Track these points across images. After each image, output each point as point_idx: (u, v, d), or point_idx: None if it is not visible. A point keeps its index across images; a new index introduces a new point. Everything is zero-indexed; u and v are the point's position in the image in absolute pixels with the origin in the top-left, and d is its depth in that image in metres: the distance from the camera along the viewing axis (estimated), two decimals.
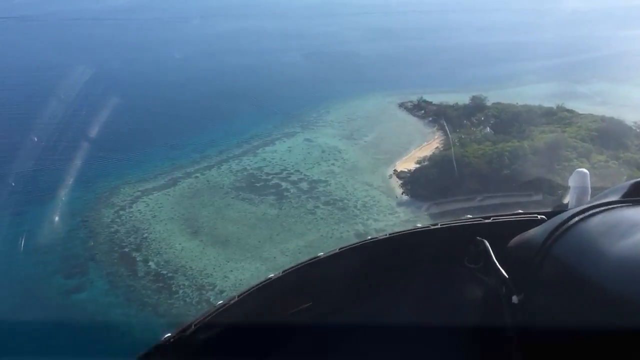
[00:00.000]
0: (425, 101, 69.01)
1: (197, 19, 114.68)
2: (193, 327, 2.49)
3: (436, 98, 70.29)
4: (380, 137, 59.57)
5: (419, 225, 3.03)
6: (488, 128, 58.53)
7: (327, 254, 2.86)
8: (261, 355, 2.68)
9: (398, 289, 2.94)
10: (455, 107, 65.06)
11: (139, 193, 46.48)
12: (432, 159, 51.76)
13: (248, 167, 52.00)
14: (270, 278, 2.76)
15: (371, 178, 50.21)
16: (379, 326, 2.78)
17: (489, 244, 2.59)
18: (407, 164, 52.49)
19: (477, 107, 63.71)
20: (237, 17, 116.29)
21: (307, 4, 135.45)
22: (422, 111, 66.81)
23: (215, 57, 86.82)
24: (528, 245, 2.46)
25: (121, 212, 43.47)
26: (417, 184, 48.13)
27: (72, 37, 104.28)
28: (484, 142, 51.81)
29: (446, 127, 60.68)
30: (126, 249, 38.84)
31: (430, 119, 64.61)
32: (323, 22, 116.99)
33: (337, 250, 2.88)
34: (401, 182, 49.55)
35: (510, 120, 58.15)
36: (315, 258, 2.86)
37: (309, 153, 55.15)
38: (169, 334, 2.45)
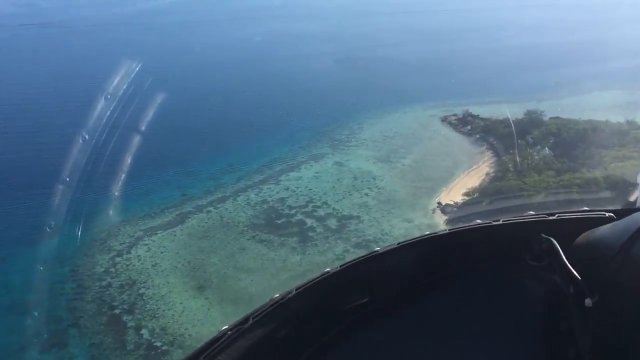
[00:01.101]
0: (471, 115, 61.11)
1: (225, 23, 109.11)
2: (251, 320, 2.47)
3: (483, 110, 62.37)
4: (421, 159, 52.07)
5: (479, 221, 2.97)
6: (547, 149, 50.40)
7: (385, 249, 2.83)
8: (317, 350, 2.65)
9: (457, 285, 2.89)
10: (506, 123, 56.90)
11: (141, 233, 40.29)
12: (482, 190, 44.11)
13: (268, 199, 45.30)
14: (327, 272, 2.73)
15: (411, 213, 42.91)
16: (437, 324, 2.75)
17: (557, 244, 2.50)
18: (454, 195, 44.94)
19: (532, 122, 55.61)
20: (265, 19, 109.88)
21: (339, 3, 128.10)
22: (468, 127, 58.98)
23: (241, 64, 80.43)
24: (601, 245, 2.36)
25: (117, 259, 37.28)
26: (466, 222, 40.48)
27: (94, 43, 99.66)
28: (545, 172, 43.91)
29: (497, 148, 52.86)
30: (117, 310, 32.57)
31: (478, 136, 56.78)
32: (357, 23, 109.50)
33: (395, 245, 2.84)
34: (447, 217, 42.05)
35: (573, 140, 49.92)
36: (373, 253, 2.82)
37: (338, 180, 48.12)
38: (226, 327, 2.44)
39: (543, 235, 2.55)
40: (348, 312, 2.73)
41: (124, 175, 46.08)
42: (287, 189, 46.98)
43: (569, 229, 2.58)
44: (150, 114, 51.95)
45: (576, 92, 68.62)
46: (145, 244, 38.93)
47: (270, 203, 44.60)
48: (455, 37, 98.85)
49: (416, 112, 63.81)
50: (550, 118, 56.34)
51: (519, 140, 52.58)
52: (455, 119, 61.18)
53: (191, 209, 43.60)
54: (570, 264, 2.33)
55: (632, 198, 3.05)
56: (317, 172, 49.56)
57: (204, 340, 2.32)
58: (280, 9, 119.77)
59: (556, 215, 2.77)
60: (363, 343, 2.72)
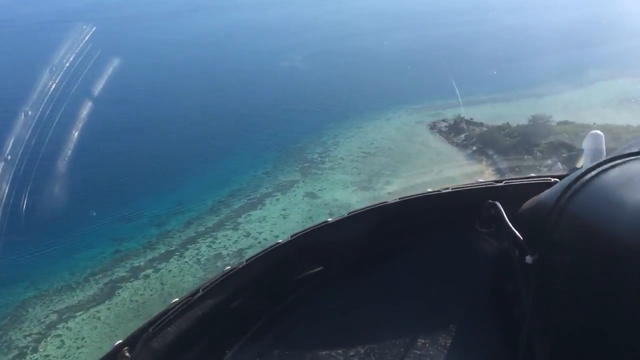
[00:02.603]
0: (464, 120, 52.15)
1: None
2: (201, 291, 2.46)
3: (478, 112, 53.78)
4: (410, 183, 42.97)
5: (429, 189, 3.01)
6: (560, 165, 41.81)
7: (337, 219, 2.86)
8: (271, 319, 2.68)
9: (409, 253, 2.98)
10: (507, 131, 48.31)
11: (54, 316, 31.03)
12: None
13: (224, 252, 36.28)
14: (279, 243, 2.76)
15: None
16: (390, 291, 2.84)
17: (502, 208, 2.55)
18: None
19: (538, 130, 46.90)
20: (225, 9, 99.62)
21: None
22: (462, 136, 50.10)
23: (196, 65, 70.46)
24: (541, 206, 2.39)
25: None
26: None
27: (35, 45, 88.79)
28: None
29: (499, 164, 44.13)
30: None
31: (475, 148, 47.95)
32: (331, 9, 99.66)
33: (346, 215, 2.89)
34: None
35: None
36: (324, 222, 2.85)
37: (311, 219, 38.98)
38: (177, 299, 2.42)
39: (490, 201, 2.56)
40: (301, 281, 2.76)
41: (42, 227, 36.96)
42: (247, 235, 37.99)
43: (515, 195, 2.61)
44: (83, 136, 42.45)
45: (578, 83, 60.45)
46: (59, 335, 29.66)
47: (226, 258, 35.50)
48: (438, 21, 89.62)
49: (400, 119, 54.87)
50: (559, 123, 47.71)
51: (525, 155, 44.03)
52: (446, 126, 52.24)
53: (125, 274, 34.37)
54: (518, 228, 2.37)
55: (578, 164, 3.00)
56: (284, 209, 40.55)
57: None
58: None
59: (504, 182, 2.89)
60: (316, 310, 2.73)
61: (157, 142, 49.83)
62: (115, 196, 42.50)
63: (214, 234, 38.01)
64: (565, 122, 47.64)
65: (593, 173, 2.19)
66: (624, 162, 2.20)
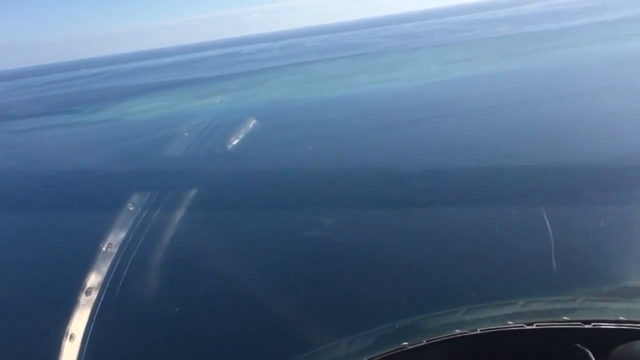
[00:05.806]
0: None
1: None
2: None
3: None
4: None
5: (511, 322, 2.77)
6: None
7: (413, 345, 2.71)
8: None
9: None
10: None
11: None
12: None
13: None
14: None
15: None
16: None
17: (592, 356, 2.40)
18: None
19: None
20: None
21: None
22: None
23: None
24: None
25: None
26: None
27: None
28: None
29: None
30: None
31: None
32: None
33: (423, 342, 2.72)
34: None
35: None
36: (401, 348, 2.72)
37: None
38: None
39: (578, 345, 2.38)
40: None
41: None
42: None
43: (604, 340, 2.40)
44: None
45: None
46: None
47: None
48: None
49: None
50: None
51: None
52: None
53: None
54: None
55: None
56: None
57: None
58: None
59: (592, 324, 2.59)
60: None
61: None
62: None
63: None
64: None
65: None
66: None
